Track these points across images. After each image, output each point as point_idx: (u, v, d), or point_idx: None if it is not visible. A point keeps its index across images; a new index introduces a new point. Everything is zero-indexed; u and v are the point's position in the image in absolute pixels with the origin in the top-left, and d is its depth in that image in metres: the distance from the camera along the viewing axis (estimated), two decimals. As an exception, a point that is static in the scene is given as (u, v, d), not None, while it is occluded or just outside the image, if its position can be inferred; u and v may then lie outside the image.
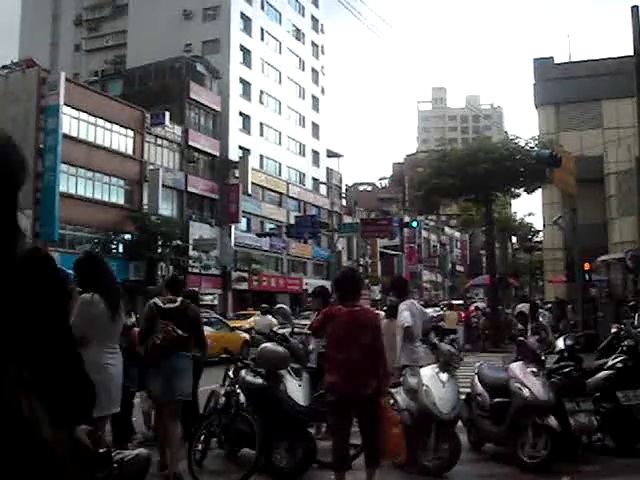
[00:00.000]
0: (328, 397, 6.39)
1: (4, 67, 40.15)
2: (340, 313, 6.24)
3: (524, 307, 23.22)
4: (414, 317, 8.81)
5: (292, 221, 54.24)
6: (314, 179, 66.00)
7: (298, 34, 65.51)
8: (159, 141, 45.62)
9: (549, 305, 34.67)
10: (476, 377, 8.80)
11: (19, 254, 1.61)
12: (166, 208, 44.52)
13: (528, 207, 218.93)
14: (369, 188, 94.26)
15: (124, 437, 8.20)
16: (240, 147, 53.25)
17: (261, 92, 57.40)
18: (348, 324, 6.19)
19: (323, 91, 69.74)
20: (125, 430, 8.46)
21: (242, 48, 55.22)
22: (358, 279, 7.09)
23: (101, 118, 40.52)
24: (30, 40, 53.68)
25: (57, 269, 1.72)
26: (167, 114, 44.58)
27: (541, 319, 22.72)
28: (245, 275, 49.73)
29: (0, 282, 1.54)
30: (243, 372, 7.92)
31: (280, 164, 59.67)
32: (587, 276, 26.47)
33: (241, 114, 54.26)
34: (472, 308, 33.95)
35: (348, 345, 6.14)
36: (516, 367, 8.08)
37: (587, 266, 26.26)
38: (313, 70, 67.78)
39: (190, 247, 43.44)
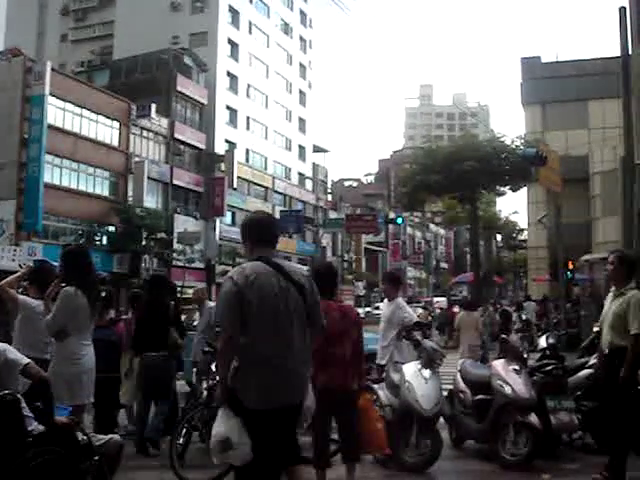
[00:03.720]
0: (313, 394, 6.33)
1: (-11, 56, 39.84)
2: (331, 309, 6.22)
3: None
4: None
5: (277, 215, 54.23)
6: (300, 174, 65.95)
7: (286, 28, 65.35)
8: (145, 133, 45.43)
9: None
10: (458, 374, 8.82)
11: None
12: (151, 200, 44.37)
13: (513, 205, 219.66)
14: (355, 184, 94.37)
15: (107, 430, 8.18)
16: (226, 141, 53.13)
17: (248, 86, 57.26)
18: (341, 320, 6.21)
19: (310, 86, 69.63)
20: (108, 423, 8.44)
21: (230, 41, 55.05)
22: (337, 274, 7.20)
23: (87, 109, 40.28)
24: (16, 29, 53.31)
25: None
26: (153, 106, 44.40)
27: (524, 316, 22.84)
28: (229, 269, 49.64)
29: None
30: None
31: (266, 158, 59.58)
32: (570, 275, 26.62)
33: (228, 107, 54.12)
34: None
35: (342, 341, 6.16)
36: (498, 365, 8.10)
37: (570, 265, 26.40)
38: (301, 65, 67.66)
39: (174, 240, 43.30)
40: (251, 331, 4.34)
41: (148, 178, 43.47)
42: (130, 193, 42.70)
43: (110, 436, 5.32)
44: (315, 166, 69.52)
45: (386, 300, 9.47)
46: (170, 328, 8.90)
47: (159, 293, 9.19)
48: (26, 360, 4.70)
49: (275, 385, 4.36)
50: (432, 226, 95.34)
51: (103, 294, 8.15)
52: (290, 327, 4.43)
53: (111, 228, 41.37)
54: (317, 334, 4.77)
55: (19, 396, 4.55)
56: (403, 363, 8.21)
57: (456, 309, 33.09)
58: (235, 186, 51.23)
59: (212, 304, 11.37)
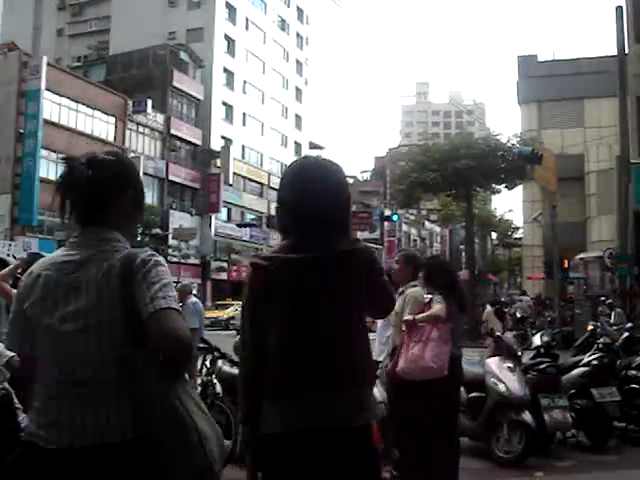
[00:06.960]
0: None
1: (-15, 50, 39.68)
2: None
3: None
4: None
5: (273, 212, 53.90)
6: (296, 171, 65.84)
7: (283, 25, 65.27)
8: (141, 129, 45.37)
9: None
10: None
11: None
12: (146, 196, 44.08)
13: (508, 204, 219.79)
14: (350, 181, 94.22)
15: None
16: (222, 137, 53.06)
17: (244, 82, 57.18)
18: None
19: (307, 82, 69.58)
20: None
21: (226, 37, 54.95)
22: None
23: (83, 104, 40.20)
24: (12, 23, 53.06)
25: None
26: (149, 101, 44.32)
27: (518, 314, 22.86)
28: (224, 265, 49.61)
29: None
30: (220, 362, 7.90)
31: (262, 155, 59.53)
32: (565, 274, 26.66)
33: (224, 104, 54.05)
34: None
35: None
36: (493, 362, 8.10)
37: (565, 264, 26.43)
38: (297, 61, 67.60)
39: (170, 236, 43.25)
40: None
41: (144, 174, 43.33)
42: (126, 189, 42.64)
43: None
44: (311, 163, 69.42)
45: None
46: None
47: None
48: (10, 353, 4.66)
49: None
50: (427, 223, 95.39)
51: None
52: None
53: (106, 223, 41.27)
54: None
55: (10, 390, 4.52)
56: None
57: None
58: (231, 182, 51.21)
59: (195, 300, 11.71)
